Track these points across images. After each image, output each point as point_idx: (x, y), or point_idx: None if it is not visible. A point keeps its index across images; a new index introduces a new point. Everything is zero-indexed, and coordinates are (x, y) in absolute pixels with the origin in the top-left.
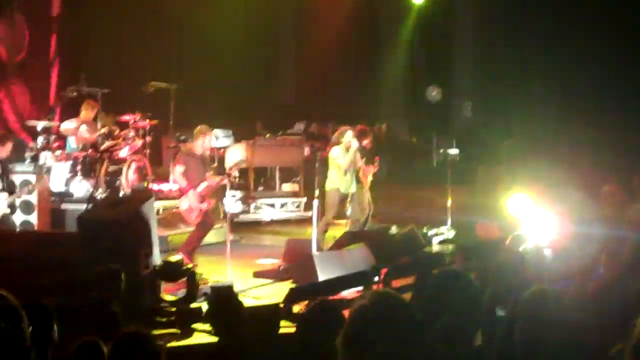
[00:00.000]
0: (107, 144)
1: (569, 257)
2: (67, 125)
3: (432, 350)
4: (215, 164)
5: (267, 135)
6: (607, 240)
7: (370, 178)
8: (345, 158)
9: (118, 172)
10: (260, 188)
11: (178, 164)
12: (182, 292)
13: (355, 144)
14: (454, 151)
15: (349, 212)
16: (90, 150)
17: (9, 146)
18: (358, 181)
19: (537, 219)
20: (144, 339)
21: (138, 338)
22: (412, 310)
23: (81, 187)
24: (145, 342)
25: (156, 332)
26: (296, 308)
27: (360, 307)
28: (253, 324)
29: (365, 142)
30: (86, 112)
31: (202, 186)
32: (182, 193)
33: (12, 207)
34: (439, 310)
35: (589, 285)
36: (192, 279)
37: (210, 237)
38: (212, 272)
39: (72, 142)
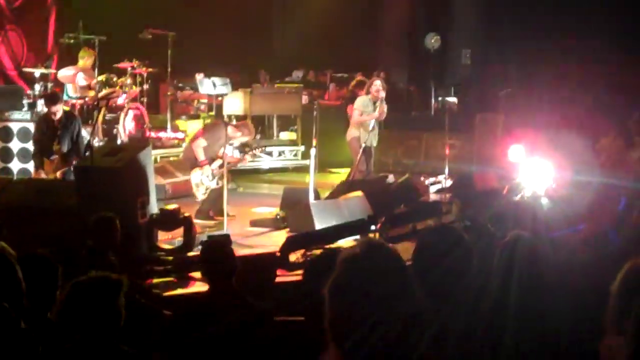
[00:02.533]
0: (104, 91)
1: (566, 205)
2: (65, 73)
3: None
4: (213, 112)
5: (267, 84)
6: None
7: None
8: (375, 110)
9: (115, 120)
10: (258, 136)
11: (201, 136)
12: (179, 241)
13: (382, 94)
14: (452, 99)
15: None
16: (87, 98)
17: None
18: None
19: (534, 167)
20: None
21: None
22: (403, 264)
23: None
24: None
25: (152, 280)
26: (292, 257)
27: (351, 255)
28: (248, 273)
29: (362, 92)
30: (84, 60)
31: (217, 163)
32: (196, 166)
33: None
34: (430, 265)
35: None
36: (188, 227)
37: None
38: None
39: (69, 90)
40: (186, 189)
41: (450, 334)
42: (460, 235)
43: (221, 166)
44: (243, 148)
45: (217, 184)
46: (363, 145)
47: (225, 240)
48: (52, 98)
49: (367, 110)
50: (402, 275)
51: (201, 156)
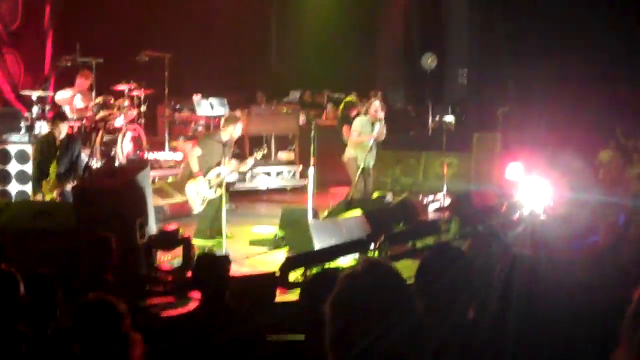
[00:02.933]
0: (102, 113)
1: (564, 223)
2: (62, 95)
3: (421, 322)
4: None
5: (264, 105)
6: (603, 206)
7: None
8: (374, 130)
9: (113, 142)
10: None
11: (197, 146)
12: (177, 261)
13: (381, 114)
14: (449, 118)
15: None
16: (85, 120)
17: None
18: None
19: (532, 185)
20: (106, 305)
21: (100, 305)
22: (403, 281)
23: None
24: (108, 308)
25: (152, 300)
26: (292, 276)
27: (351, 273)
28: (248, 292)
29: (354, 112)
30: (81, 82)
31: (214, 173)
32: (191, 177)
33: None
34: (431, 281)
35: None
36: (187, 247)
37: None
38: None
39: (67, 112)
40: (184, 210)
41: (450, 351)
42: (460, 252)
43: (218, 175)
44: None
45: (215, 192)
46: (361, 165)
47: (215, 255)
48: (62, 116)
49: (366, 130)
50: (402, 292)
51: (195, 167)
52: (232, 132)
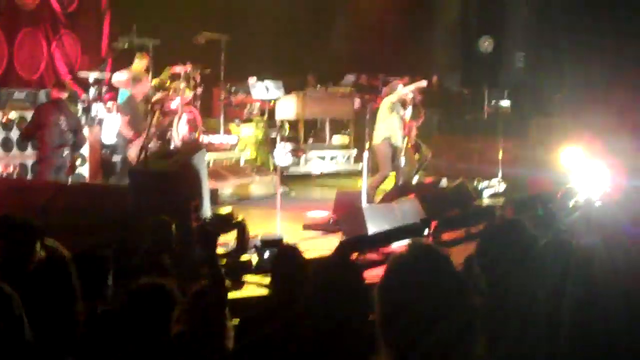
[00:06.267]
0: (158, 95)
1: (621, 209)
2: (119, 77)
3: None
4: (266, 116)
5: (318, 87)
6: None
7: (414, 132)
8: (406, 111)
9: (169, 124)
10: (311, 140)
11: (121, 114)
12: (232, 245)
13: (411, 95)
14: (505, 103)
15: (402, 163)
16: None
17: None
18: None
19: (589, 171)
20: (159, 289)
21: (154, 288)
22: (452, 266)
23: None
24: (161, 292)
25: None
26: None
27: (399, 258)
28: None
29: (417, 96)
30: (138, 64)
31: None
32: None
33: None
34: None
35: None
36: (242, 231)
37: (261, 190)
38: (262, 224)
39: (124, 94)
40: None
41: (508, 333)
42: (524, 227)
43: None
44: (295, 152)
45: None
46: (398, 144)
47: (297, 250)
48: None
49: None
50: (452, 277)
51: (128, 134)
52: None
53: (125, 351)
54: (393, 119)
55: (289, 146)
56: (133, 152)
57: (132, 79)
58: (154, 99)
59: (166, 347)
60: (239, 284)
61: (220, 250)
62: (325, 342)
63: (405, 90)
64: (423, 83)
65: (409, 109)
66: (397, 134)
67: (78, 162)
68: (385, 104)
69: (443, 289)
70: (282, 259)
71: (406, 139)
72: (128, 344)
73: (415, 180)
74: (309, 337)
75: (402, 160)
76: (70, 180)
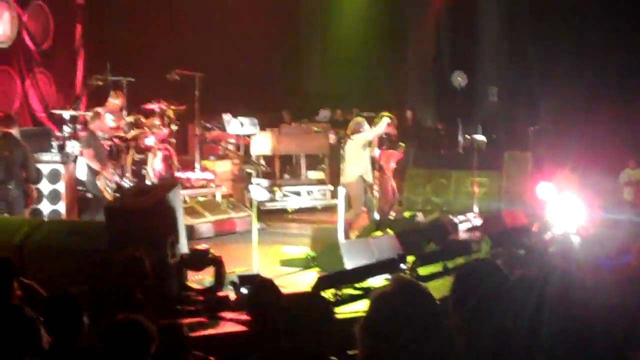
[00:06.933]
0: (133, 132)
1: (596, 243)
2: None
3: (453, 340)
4: (242, 152)
5: (292, 124)
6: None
7: (393, 165)
8: (372, 133)
9: (144, 161)
10: (286, 176)
11: (85, 150)
12: (209, 281)
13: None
14: (480, 137)
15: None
16: (116, 139)
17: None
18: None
19: (564, 205)
20: (136, 325)
21: (131, 325)
22: (434, 300)
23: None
24: (138, 328)
25: (183, 320)
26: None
27: (382, 293)
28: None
29: (390, 130)
30: (112, 101)
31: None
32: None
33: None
34: (468, 296)
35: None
36: (218, 267)
37: (237, 226)
38: (239, 260)
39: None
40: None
41: None
42: (496, 266)
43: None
44: (271, 187)
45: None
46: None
47: (272, 282)
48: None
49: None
50: (433, 310)
51: (96, 166)
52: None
53: None
54: (366, 156)
55: (264, 182)
56: (102, 183)
57: (92, 115)
58: (129, 135)
59: None
60: (216, 320)
61: (196, 286)
62: None
63: (380, 129)
64: (383, 126)
65: (376, 148)
66: (369, 171)
67: (50, 198)
68: (359, 141)
69: (425, 321)
70: (258, 292)
71: (381, 170)
72: None
73: (391, 214)
74: None
75: (375, 194)
76: (46, 217)
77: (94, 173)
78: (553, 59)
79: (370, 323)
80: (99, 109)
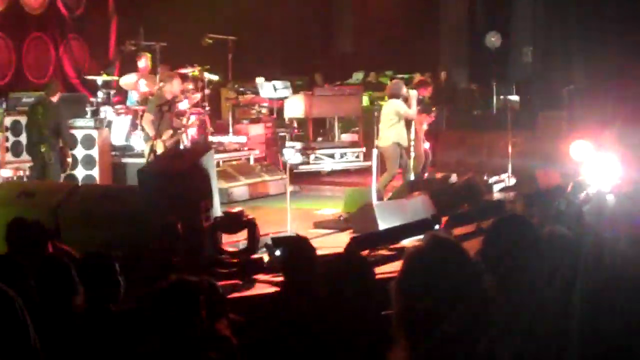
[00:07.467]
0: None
1: (631, 201)
2: (127, 80)
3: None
4: (274, 116)
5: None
6: None
7: (425, 127)
8: (412, 108)
9: (178, 125)
10: (320, 139)
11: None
12: (243, 244)
13: (413, 93)
14: (513, 97)
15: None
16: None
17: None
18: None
19: (599, 164)
20: (187, 285)
21: (181, 285)
22: (469, 257)
23: (141, 141)
24: (189, 289)
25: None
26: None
27: (416, 250)
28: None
29: (426, 92)
30: (139, 65)
31: (168, 134)
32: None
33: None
34: (500, 255)
35: None
36: (252, 230)
37: (270, 189)
38: (273, 223)
39: (132, 96)
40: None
41: (516, 327)
42: (529, 224)
43: (172, 135)
44: (304, 150)
45: None
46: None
47: (306, 239)
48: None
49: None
50: (468, 268)
51: (151, 131)
52: (171, 89)
53: (148, 349)
54: (401, 123)
55: (298, 144)
56: (147, 149)
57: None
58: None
59: (192, 343)
60: (250, 283)
61: (230, 249)
62: (336, 338)
63: (414, 110)
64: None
65: (414, 107)
66: (405, 137)
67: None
68: (394, 108)
69: (460, 278)
70: (293, 250)
71: (414, 133)
72: (153, 341)
73: (425, 176)
74: (320, 332)
75: (412, 155)
76: (80, 182)
77: (147, 138)
78: (587, 18)
79: (404, 281)
80: (133, 74)
